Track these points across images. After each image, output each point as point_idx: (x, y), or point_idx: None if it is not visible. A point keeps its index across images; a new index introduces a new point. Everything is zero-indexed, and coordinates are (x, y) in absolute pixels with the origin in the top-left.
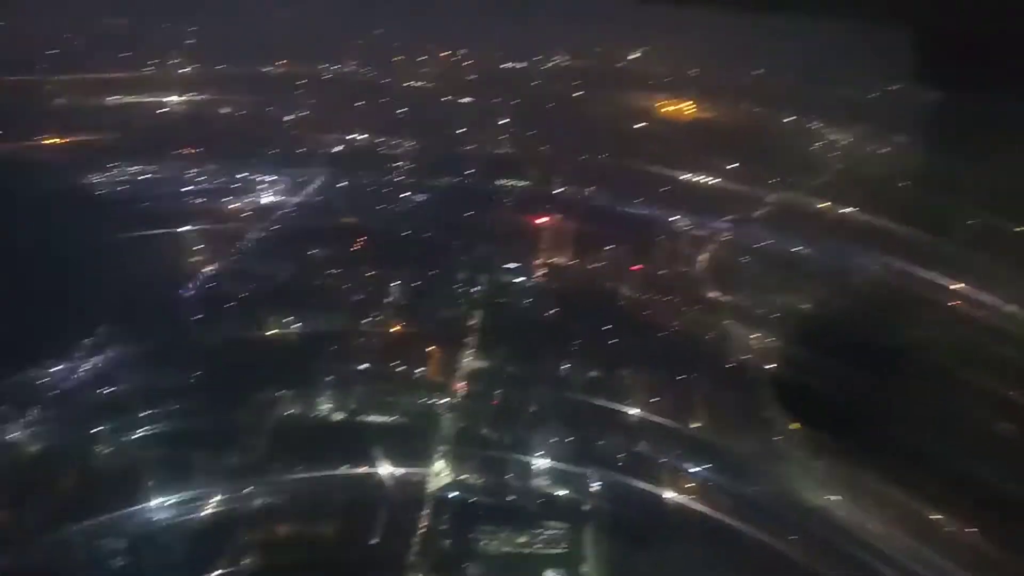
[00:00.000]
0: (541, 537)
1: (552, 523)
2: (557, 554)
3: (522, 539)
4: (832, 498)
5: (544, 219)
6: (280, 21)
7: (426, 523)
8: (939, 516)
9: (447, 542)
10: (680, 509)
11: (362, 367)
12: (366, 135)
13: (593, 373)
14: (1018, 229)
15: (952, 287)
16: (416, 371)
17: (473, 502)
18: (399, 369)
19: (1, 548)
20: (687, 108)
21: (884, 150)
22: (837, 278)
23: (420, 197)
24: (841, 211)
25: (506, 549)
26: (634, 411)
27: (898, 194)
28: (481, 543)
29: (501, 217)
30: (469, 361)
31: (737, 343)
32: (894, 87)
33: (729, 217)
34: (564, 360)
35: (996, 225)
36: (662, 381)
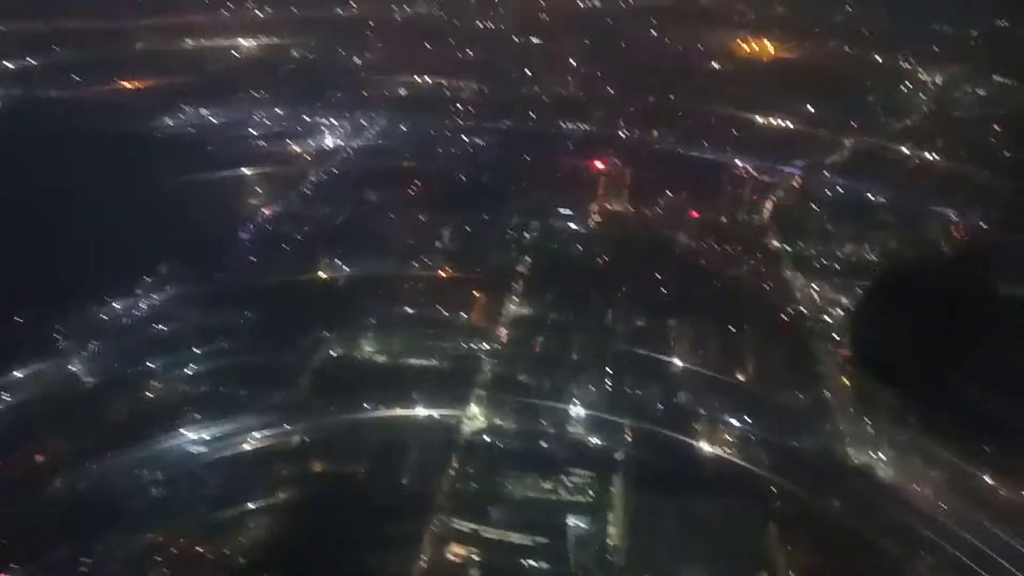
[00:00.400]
0: (566, 484)
1: (579, 471)
2: (583, 502)
3: (548, 485)
4: (879, 456)
5: (603, 163)
6: None
7: (456, 465)
8: (992, 481)
9: (474, 485)
10: (716, 461)
11: (408, 311)
12: (432, 77)
13: (639, 322)
14: None
15: None
16: (461, 316)
17: (504, 447)
18: (445, 314)
19: (54, 474)
20: (769, 47)
21: (980, 91)
22: (912, 228)
23: (480, 140)
24: (926, 157)
25: (531, 494)
26: (678, 362)
27: (990, 140)
28: (507, 487)
29: (559, 161)
30: (515, 308)
31: (795, 294)
32: (997, 24)
33: (801, 162)
34: (611, 308)
35: None
36: (711, 332)
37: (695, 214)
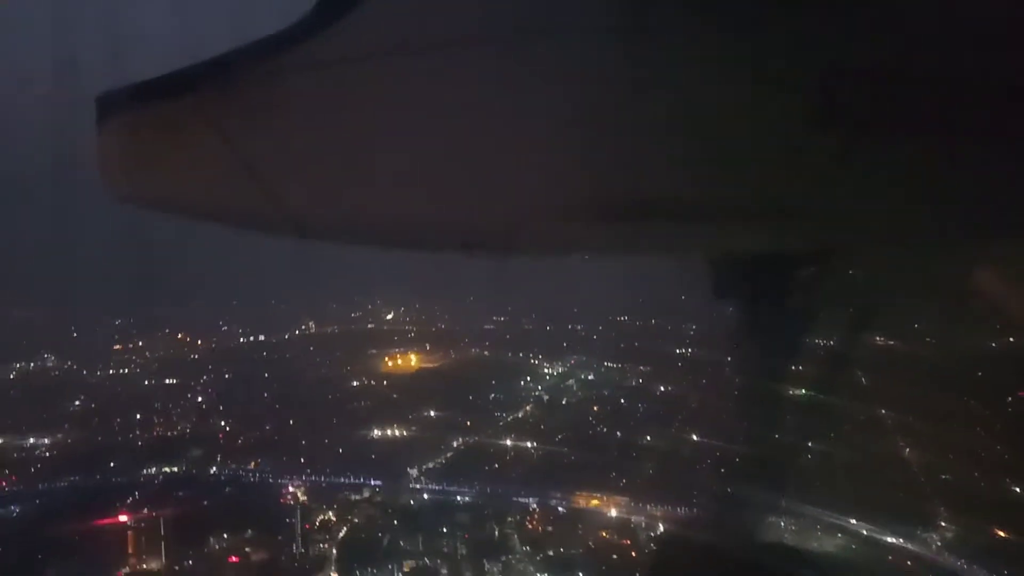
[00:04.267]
0: None
1: None
2: None
3: None
4: None
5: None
6: None
7: None
8: None
9: None
10: None
11: None
12: None
13: None
14: None
15: None
16: None
17: None
18: None
19: None
20: (413, 360)
21: (590, 376)
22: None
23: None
24: (524, 447)
25: None
26: None
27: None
28: None
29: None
30: None
31: None
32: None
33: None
34: None
35: None
36: None
37: (234, 559)
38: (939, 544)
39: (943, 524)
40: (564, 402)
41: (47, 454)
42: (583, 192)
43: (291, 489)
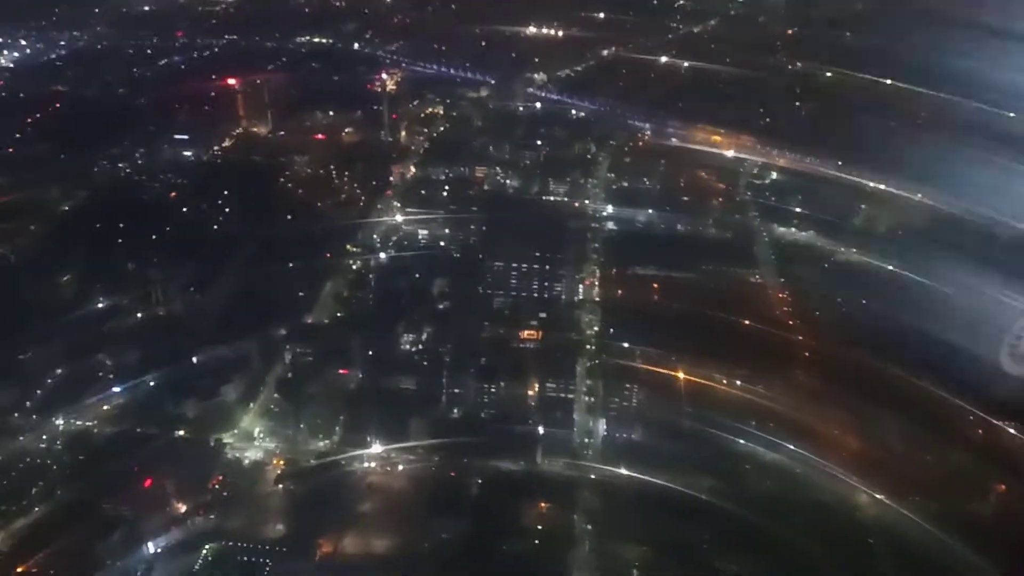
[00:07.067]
0: None
1: None
2: None
3: None
4: None
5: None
6: None
7: None
8: None
9: None
10: None
11: None
12: None
13: None
14: None
15: None
16: None
17: None
18: None
19: None
20: None
21: None
22: None
23: None
24: None
25: None
26: None
27: None
28: None
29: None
30: None
31: None
32: None
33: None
34: None
35: None
36: None
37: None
38: None
39: None
40: (761, 20)
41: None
42: None
43: (406, 77)
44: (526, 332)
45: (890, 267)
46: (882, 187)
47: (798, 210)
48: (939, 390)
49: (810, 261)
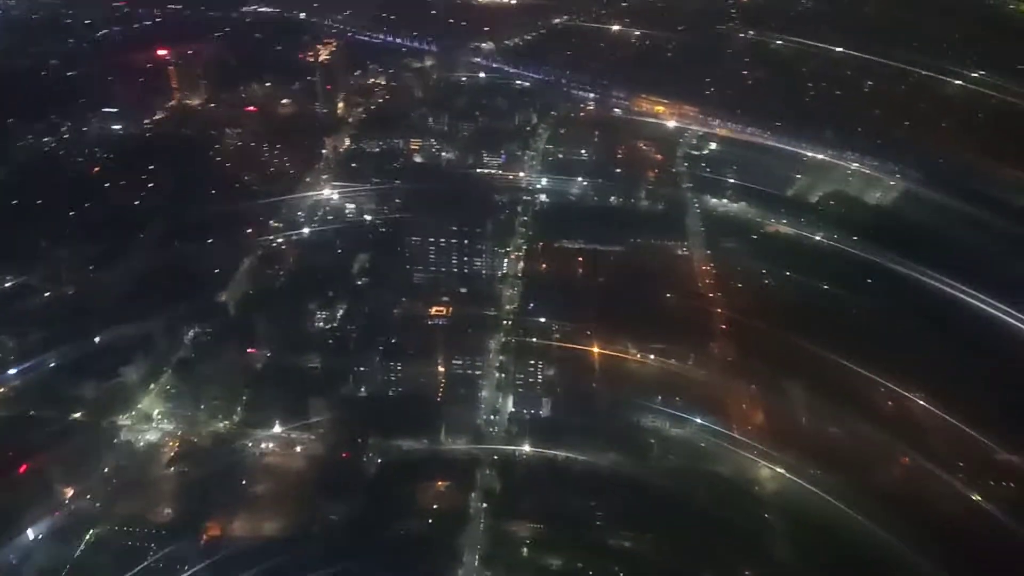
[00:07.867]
0: None
1: None
2: None
3: None
4: None
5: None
6: None
7: None
8: None
9: None
10: None
11: None
12: None
13: None
14: None
15: None
16: None
17: None
18: None
19: None
20: None
21: None
22: None
23: None
24: None
25: None
26: None
27: None
28: None
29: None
30: None
31: None
32: None
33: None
34: None
35: None
36: None
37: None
38: None
39: None
40: None
41: None
42: None
43: (351, 46)
44: (434, 309)
45: (818, 238)
46: (819, 157)
47: (732, 181)
48: (852, 363)
49: (740, 233)
